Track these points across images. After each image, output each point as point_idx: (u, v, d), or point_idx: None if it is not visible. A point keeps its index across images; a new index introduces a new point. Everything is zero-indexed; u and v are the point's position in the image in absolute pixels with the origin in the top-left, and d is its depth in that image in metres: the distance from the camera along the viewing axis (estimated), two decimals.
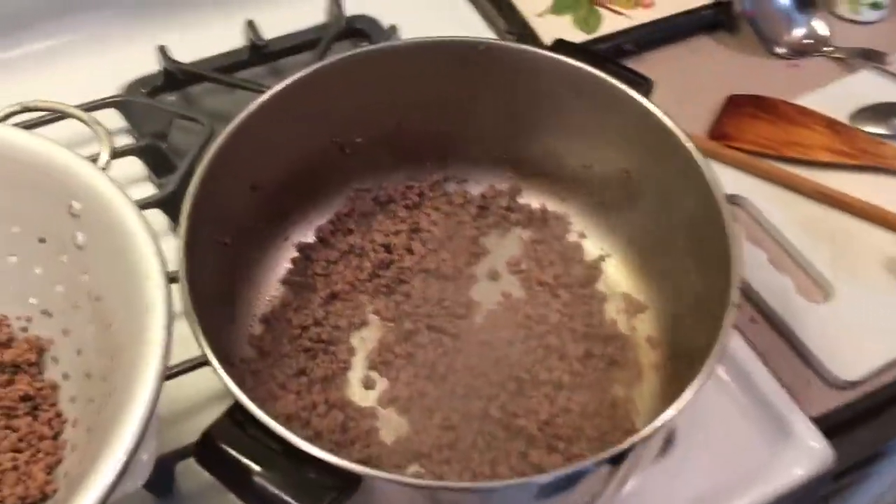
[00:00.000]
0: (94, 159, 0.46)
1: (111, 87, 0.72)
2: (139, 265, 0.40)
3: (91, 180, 0.43)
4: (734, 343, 0.62)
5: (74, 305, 0.45)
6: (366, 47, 0.57)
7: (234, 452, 0.40)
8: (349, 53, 0.56)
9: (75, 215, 0.44)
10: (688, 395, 0.43)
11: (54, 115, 0.63)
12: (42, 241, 0.46)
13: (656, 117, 0.54)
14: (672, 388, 0.54)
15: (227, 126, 0.52)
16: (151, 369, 0.37)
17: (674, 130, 0.54)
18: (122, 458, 0.34)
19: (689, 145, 0.53)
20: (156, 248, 0.40)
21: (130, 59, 0.75)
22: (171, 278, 0.45)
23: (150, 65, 0.74)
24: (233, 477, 0.41)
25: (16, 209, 0.46)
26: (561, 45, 0.57)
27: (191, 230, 0.48)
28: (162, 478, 0.54)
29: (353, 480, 0.40)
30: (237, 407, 0.42)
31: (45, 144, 0.44)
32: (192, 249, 0.48)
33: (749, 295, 0.64)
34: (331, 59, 0.55)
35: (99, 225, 0.43)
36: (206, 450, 0.41)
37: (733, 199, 0.68)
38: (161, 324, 0.38)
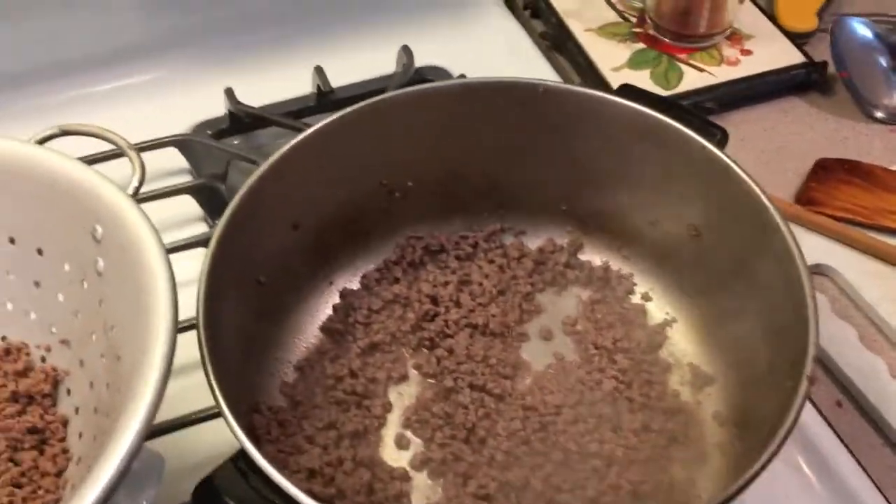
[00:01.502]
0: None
1: (179, 127, 0.72)
2: (149, 296, 0.38)
3: (115, 204, 0.42)
4: (817, 430, 0.55)
5: (91, 334, 0.43)
6: (418, 86, 0.55)
7: (232, 503, 0.37)
8: (399, 92, 0.53)
9: (98, 240, 0.42)
10: (753, 470, 0.37)
11: (111, 153, 0.63)
12: (66, 266, 0.44)
13: (731, 170, 0.50)
14: (739, 471, 0.48)
15: (265, 162, 0.50)
16: (140, 411, 0.34)
17: (750, 185, 0.49)
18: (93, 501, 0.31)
19: (766, 201, 0.48)
20: (169, 276, 0.38)
21: (200, 101, 0.75)
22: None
23: (219, 108, 0.74)
24: None
25: (42, 230, 0.45)
26: (626, 89, 0.53)
27: (215, 267, 0.45)
28: None
29: None
30: (242, 454, 0.38)
31: (73, 164, 0.43)
32: (215, 289, 0.45)
33: (836, 375, 0.57)
34: (381, 96, 0.53)
35: (118, 251, 0.41)
36: (205, 496, 0.38)
37: (820, 270, 0.62)
38: (159, 360, 0.35)
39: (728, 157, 0.50)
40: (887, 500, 0.52)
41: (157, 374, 0.34)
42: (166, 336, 0.36)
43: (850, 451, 0.54)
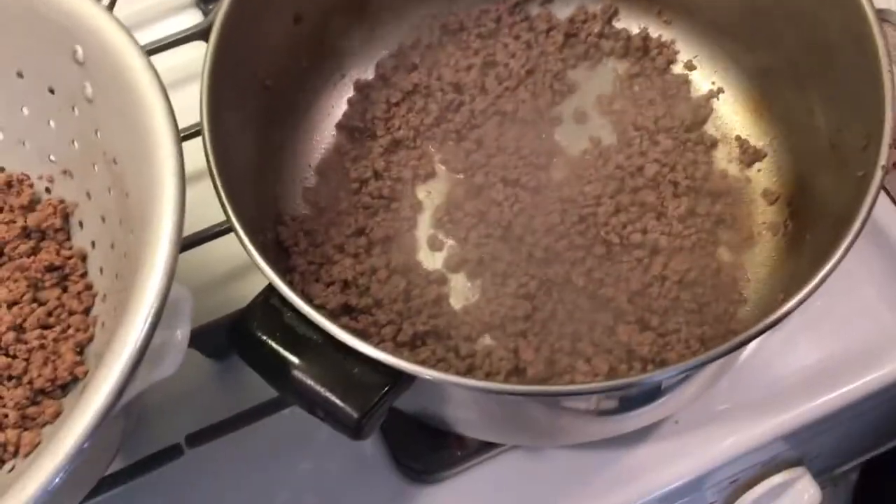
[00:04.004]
0: None
1: None
2: (148, 128, 0.34)
3: (94, 22, 0.36)
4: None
5: (93, 165, 0.40)
6: None
7: (269, 341, 0.35)
8: None
9: (80, 62, 0.37)
10: (817, 280, 0.35)
11: None
12: (52, 91, 0.40)
13: None
14: (791, 254, 0.46)
15: None
16: (161, 254, 0.31)
17: None
18: (134, 346, 0.30)
19: None
20: (168, 111, 0.34)
21: None
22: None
23: None
24: (269, 369, 0.36)
25: (18, 54, 0.40)
26: None
27: (217, 71, 0.41)
28: (217, 342, 0.50)
29: (405, 377, 0.35)
30: (272, 289, 0.36)
31: None
32: (220, 94, 0.41)
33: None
34: None
35: (105, 75, 0.36)
36: (240, 337, 0.36)
37: (883, 15, 0.56)
38: (171, 199, 0.32)
39: None
40: None
41: (171, 218, 0.32)
42: (174, 176, 0.32)
43: None
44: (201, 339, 0.48)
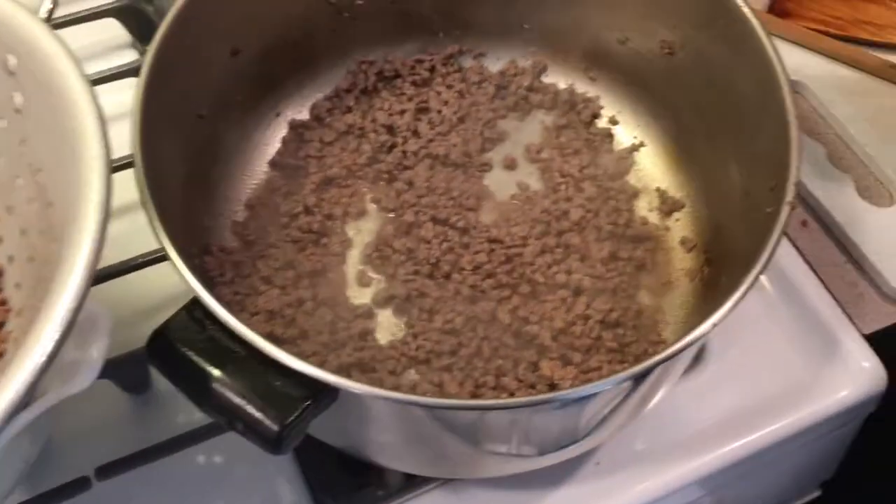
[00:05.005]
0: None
1: None
2: (77, 135, 0.34)
3: (27, 31, 0.36)
4: (780, 248, 0.54)
5: (16, 178, 0.39)
6: None
7: (190, 354, 0.35)
8: None
9: (12, 72, 0.37)
10: (728, 306, 0.37)
11: None
12: None
13: None
14: (707, 298, 0.48)
15: None
16: (79, 261, 0.31)
17: None
18: (40, 358, 0.29)
19: (748, 12, 0.44)
20: (97, 115, 0.34)
21: None
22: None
23: None
24: (189, 382, 0.35)
25: None
26: None
27: (149, 99, 0.41)
28: (136, 375, 0.49)
29: (328, 391, 0.34)
30: (196, 302, 0.36)
31: None
32: (151, 123, 0.41)
33: (801, 195, 0.56)
34: None
35: (37, 85, 0.36)
36: (160, 349, 0.35)
37: (795, 87, 0.60)
38: (94, 206, 0.31)
39: None
40: (848, 315, 0.53)
41: (94, 220, 0.31)
42: (100, 178, 0.32)
43: (814, 270, 0.54)
44: (118, 370, 0.47)
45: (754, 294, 0.53)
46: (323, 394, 0.34)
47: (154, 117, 0.42)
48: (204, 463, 0.47)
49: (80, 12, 0.58)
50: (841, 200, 0.55)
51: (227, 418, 0.34)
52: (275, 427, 0.33)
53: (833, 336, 0.52)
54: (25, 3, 0.38)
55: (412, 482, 0.47)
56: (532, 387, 0.44)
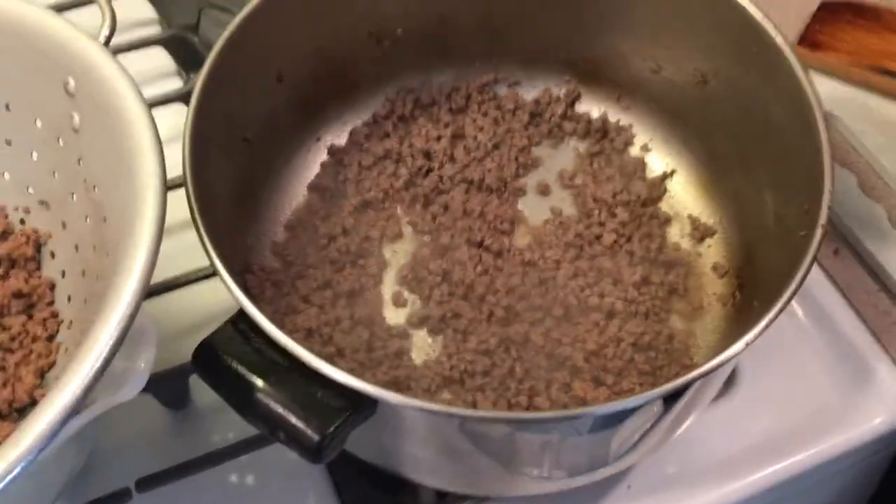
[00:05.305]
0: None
1: None
2: (134, 154, 0.35)
3: (88, 55, 0.38)
4: (812, 276, 0.55)
5: (71, 195, 0.41)
6: None
7: (235, 364, 0.36)
8: None
9: (71, 94, 0.39)
10: (758, 329, 0.37)
11: (79, 1, 0.59)
12: (38, 122, 0.42)
13: (743, 9, 0.47)
14: (739, 323, 0.48)
15: (243, 9, 0.46)
16: (135, 273, 0.32)
17: (764, 26, 0.46)
18: (95, 365, 0.30)
19: (781, 42, 0.45)
20: (154, 134, 0.35)
21: None
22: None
23: None
24: (233, 391, 0.36)
25: (9, 84, 0.41)
26: None
27: (199, 122, 0.42)
28: (176, 391, 0.50)
29: (367, 403, 0.35)
30: (241, 315, 0.37)
31: (40, 12, 0.39)
32: (201, 144, 0.43)
33: (834, 223, 0.56)
34: None
35: (95, 105, 0.38)
36: (206, 359, 0.37)
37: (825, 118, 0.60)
38: (150, 221, 0.33)
39: None
40: (882, 344, 0.53)
41: (150, 234, 0.33)
42: (156, 194, 0.34)
43: (847, 298, 0.55)
44: (159, 385, 0.48)
45: (787, 321, 0.54)
46: (363, 405, 0.35)
47: (202, 140, 0.43)
48: (239, 478, 0.48)
49: (131, 41, 0.61)
50: (872, 229, 0.55)
51: (270, 427, 0.35)
52: (316, 437, 0.34)
53: (866, 364, 0.52)
54: (85, 27, 0.40)
55: (444, 500, 0.47)
56: (565, 407, 0.45)
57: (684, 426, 0.45)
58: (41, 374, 0.40)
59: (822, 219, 0.39)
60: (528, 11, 0.54)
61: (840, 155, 0.59)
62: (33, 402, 0.39)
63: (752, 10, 0.46)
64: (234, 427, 0.49)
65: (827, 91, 0.61)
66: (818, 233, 0.39)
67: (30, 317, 0.42)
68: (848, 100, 0.61)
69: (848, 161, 0.59)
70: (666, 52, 0.52)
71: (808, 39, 0.63)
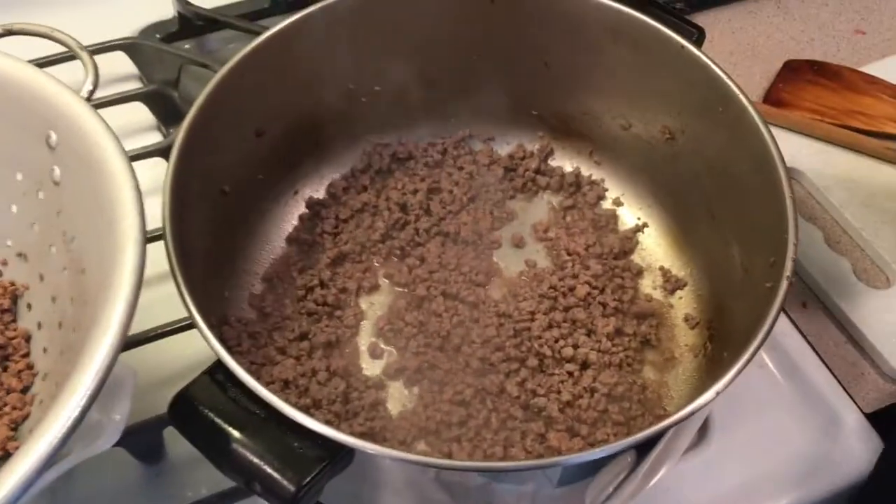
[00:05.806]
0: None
1: (125, 30, 0.68)
2: (114, 206, 0.36)
3: (71, 109, 0.39)
4: (782, 328, 0.56)
5: (50, 247, 0.41)
6: None
7: (211, 415, 0.36)
8: None
9: (52, 147, 0.40)
10: (727, 378, 0.38)
11: (57, 56, 0.60)
12: (18, 175, 0.42)
13: (710, 70, 0.49)
14: (710, 373, 0.49)
15: (224, 66, 0.47)
16: (113, 324, 0.32)
17: (729, 86, 0.48)
18: (71, 416, 0.30)
19: (744, 100, 0.47)
20: (134, 186, 0.36)
21: (146, 2, 0.71)
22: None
23: (168, 9, 0.70)
24: (209, 442, 0.36)
25: None
26: None
27: (179, 176, 0.43)
28: (150, 444, 0.50)
29: (343, 453, 0.35)
30: (218, 366, 0.37)
31: (23, 67, 0.40)
32: (181, 198, 0.43)
33: (801, 277, 0.58)
34: None
35: (77, 159, 0.39)
36: (182, 410, 0.37)
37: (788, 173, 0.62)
38: (129, 273, 0.33)
39: (707, 56, 0.49)
40: (849, 394, 0.54)
41: (129, 285, 0.33)
42: (136, 245, 0.34)
43: (815, 350, 0.56)
44: (133, 438, 0.48)
45: (757, 372, 0.55)
46: (339, 455, 0.35)
47: (182, 193, 0.44)
48: None
49: (111, 95, 0.61)
50: (839, 282, 0.57)
51: (246, 478, 0.35)
52: (291, 487, 0.34)
53: (835, 414, 0.53)
54: (67, 82, 0.41)
55: None
56: (540, 457, 0.45)
57: (658, 476, 0.45)
58: (15, 426, 0.40)
59: (788, 271, 0.40)
60: (502, 70, 0.55)
61: (805, 210, 0.61)
62: (6, 455, 0.39)
63: (717, 70, 0.48)
64: (208, 481, 0.49)
65: (792, 147, 0.63)
66: (784, 284, 0.40)
67: (4, 369, 0.42)
68: (812, 155, 0.63)
69: (813, 216, 0.61)
70: (635, 110, 0.54)
71: (772, 98, 0.65)
